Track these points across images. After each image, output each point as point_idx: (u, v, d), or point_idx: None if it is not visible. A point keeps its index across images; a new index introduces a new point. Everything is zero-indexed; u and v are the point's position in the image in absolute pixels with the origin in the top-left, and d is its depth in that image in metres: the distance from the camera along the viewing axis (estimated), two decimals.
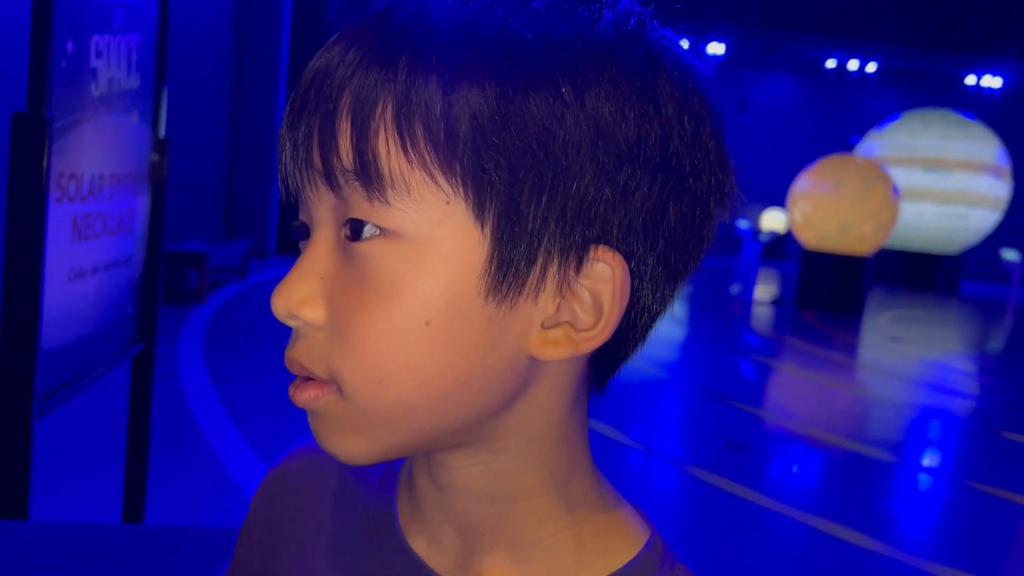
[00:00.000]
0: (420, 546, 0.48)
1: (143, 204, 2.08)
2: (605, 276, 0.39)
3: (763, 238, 12.28)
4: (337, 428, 0.41)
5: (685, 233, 0.41)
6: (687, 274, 0.43)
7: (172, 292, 7.23)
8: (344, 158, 0.38)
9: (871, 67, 19.13)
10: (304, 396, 0.41)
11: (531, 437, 0.43)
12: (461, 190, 0.38)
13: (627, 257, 0.40)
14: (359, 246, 0.39)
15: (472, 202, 0.38)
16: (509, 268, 0.38)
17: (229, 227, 10.93)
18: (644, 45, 0.41)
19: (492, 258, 0.38)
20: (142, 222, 2.08)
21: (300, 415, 0.42)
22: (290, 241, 11.22)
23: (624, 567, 0.45)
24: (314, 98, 0.40)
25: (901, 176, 13.29)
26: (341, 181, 0.39)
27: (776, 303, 11.40)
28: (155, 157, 2.10)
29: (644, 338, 0.45)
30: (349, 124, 0.38)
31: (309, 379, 0.41)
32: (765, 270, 12.79)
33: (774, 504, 3.92)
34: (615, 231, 0.39)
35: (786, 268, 14.82)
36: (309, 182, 0.40)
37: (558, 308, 0.40)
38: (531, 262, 0.38)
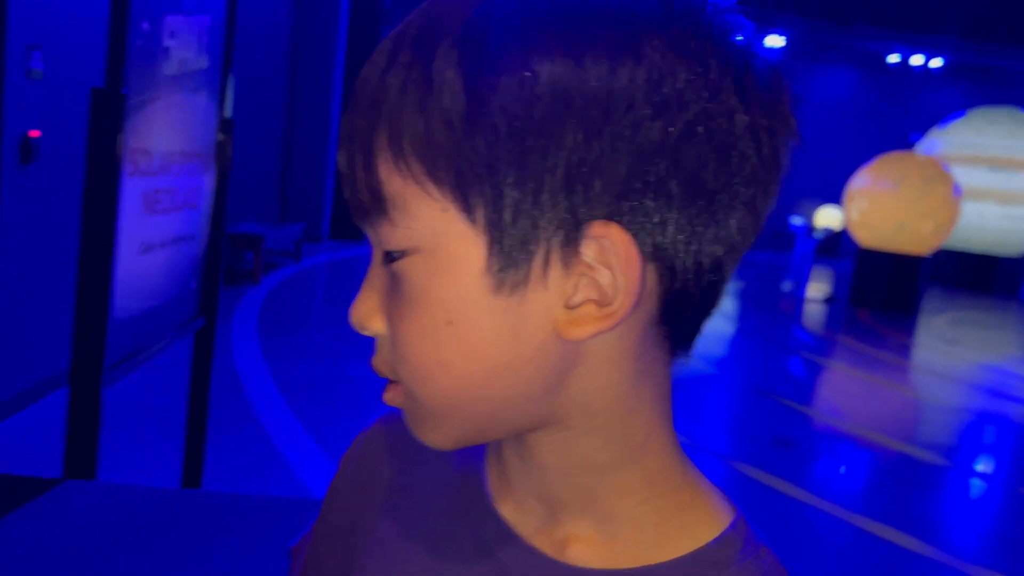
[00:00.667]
0: (507, 511, 0.49)
1: (208, 182, 2.14)
2: (610, 249, 0.39)
3: (817, 235, 12.07)
4: (416, 421, 0.45)
5: (715, 180, 0.40)
6: (735, 220, 0.41)
7: (227, 273, 7.38)
8: (363, 192, 0.42)
9: (936, 62, 18.62)
10: (386, 396, 0.45)
11: (595, 413, 0.44)
12: (451, 196, 0.39)
13: (635, 220, 0.39)
14: (393, 266, 0.42)
15: (462, 205, 0.39)
16: (507, 261, 0.39)
17: (284, 211, 11.11)
18: None
19: (489, 255, 0.40)
20: (207, 200, 2.15)
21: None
22: (343, 226, 11.37)
23: (709, 544, 0.45)
24: (345, 133, 0.43)
25: (964, 175, 12.93)
26: (365, 211, 0.42)
27: (829, 301, 11.22)
28: (221, 137, 2.16)
29: (714, 293, 0.43)
30: (361, 159, 0.41)
31: (392, 381, 0.45)
32: (819, 267, 12.59)
33: (820, 502, 3.89)
34: (609, 198, 0.38)
35: (840, 266, 14.57)
36: (352, 210, 0.44)
37: (576, 287, 0.40)
38: (528, 251, 0.39)
